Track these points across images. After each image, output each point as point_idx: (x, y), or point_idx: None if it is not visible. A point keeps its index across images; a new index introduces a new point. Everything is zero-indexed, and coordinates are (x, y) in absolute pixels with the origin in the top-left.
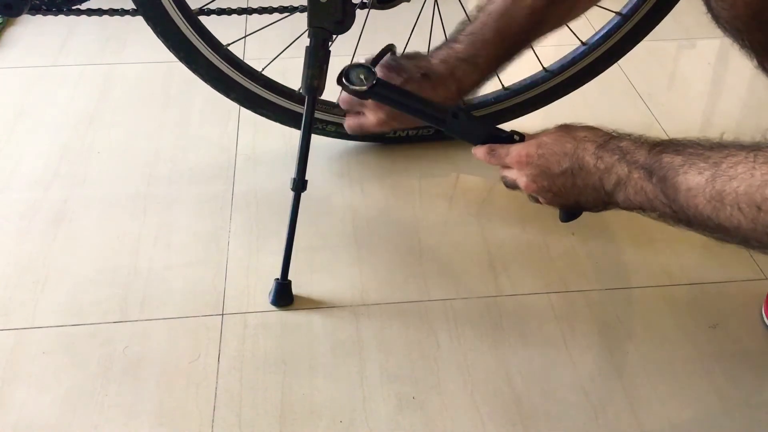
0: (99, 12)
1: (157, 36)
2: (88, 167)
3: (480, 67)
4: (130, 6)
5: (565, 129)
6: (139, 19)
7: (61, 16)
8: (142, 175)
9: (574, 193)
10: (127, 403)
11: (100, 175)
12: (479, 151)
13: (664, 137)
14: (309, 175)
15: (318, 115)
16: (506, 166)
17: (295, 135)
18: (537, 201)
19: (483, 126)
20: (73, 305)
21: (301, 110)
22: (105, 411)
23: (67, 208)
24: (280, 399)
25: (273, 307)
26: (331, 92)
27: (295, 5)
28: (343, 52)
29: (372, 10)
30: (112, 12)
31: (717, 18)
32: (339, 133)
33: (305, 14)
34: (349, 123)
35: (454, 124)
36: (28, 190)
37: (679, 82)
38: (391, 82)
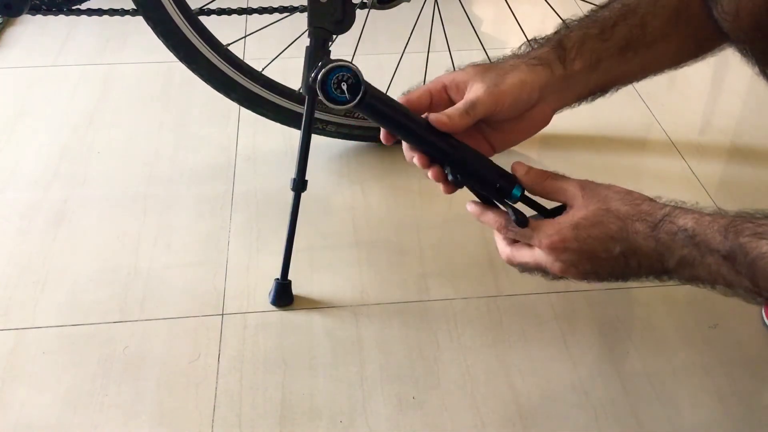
0: (99, 12)
1: (157, 36)
2: (88, 167)
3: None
4: (130, 6)
5: (598, 200)
6: (139, 19)
7: (61, 16)
8: (142, 175)
9: (625, 273)
10: (127, 403)
11: (100, 175)
12: (490, 219)
13: (664, 137)
14: (309, 175)
15: (318, 115)
16: (527, 245)
17: (295, 135)
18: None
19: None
20: (73, 305)
21: (301, 110)
22: (105, 411)
23: (67, 208)
24: (280, 399)
25: (273, 307)
26: None
27: (295, 5)
28: (343, 52)
29: (372, 10)
30: (112, 12)
31: (719, 28)
32: (339, 133)
33: (305, 14)
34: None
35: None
36: (28, 190)
37: (679, 82)
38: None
